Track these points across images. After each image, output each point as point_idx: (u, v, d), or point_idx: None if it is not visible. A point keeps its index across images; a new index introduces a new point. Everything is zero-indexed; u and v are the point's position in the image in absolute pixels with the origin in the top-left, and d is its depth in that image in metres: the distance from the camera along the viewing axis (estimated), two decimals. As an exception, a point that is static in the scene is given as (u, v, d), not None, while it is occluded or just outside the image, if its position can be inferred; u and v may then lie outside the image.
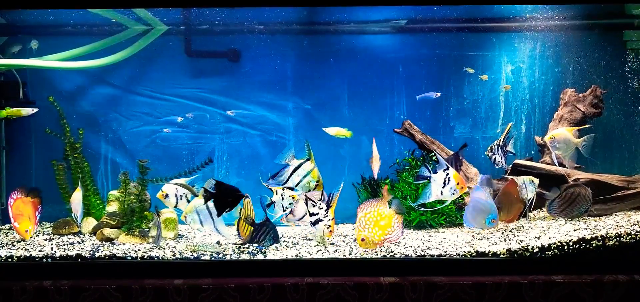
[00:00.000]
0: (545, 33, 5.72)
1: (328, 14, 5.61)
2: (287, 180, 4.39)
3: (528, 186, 4.98)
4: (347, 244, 4.59)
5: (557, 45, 5.75)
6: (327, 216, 4.46)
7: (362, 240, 4.21)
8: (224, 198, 4.17)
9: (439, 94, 5.63)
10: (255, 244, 4.38)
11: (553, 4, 5.27)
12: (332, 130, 5.33)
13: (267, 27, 5.68)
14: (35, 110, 5.11)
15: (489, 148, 5.13)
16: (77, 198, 4.83)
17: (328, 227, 4.44)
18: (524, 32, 5.78)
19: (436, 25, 5.73)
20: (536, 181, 5.02)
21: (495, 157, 5.04)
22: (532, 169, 5.32)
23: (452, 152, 5.49)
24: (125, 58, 5.53)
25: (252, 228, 4.34)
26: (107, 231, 4.84)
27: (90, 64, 5.48)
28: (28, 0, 4.60)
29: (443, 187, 4.38)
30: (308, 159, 4.33)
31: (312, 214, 4.50)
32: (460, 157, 4.86)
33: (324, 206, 4.49)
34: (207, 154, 5.86)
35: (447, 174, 4.36)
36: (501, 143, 5.02)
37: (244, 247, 4.40)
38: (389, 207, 4.32)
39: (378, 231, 4.21)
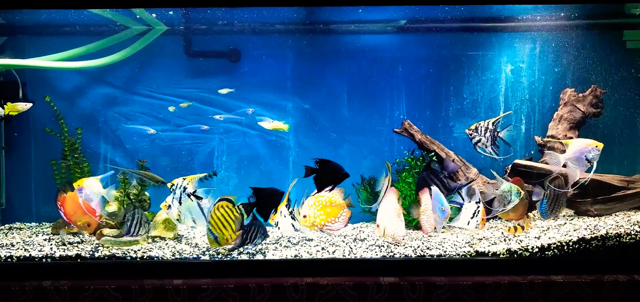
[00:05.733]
0: (545, 33, 5.72)
1: (327, 14, 5.61)
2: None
3: (513, 197, 4.65)
4: (346, 244, 4.58)
5: (556, 45, 5.75)
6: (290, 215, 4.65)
7: (304, 217, 4.47)
8: (266, 202, 4.32)
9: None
10: (249, 246, 4.36)
11: (553, 4, 5.27)
12: (268, 124, 5.33)
13: (266, 27, 5.68)
14: (31, 104, 5.10)
15: (473, 126, 4.68)
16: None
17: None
18: (524, 32, 5.78)
19: (436, 25, 5.73)
20: (523, 193, 4.70)
21: (481, 139, 4.61)
22: (531, 169, 5.31)
23: (452, 153, 5.50)
24: (124, 58, 5.53)
25: (241, 231, 4.32)
26: (107, 231, 4.83)
27: (89, 64, 5.48)
28: (28, 0, 4.60)
29: (472, 218, 4.48)
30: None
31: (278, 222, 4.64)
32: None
33: (284, 209, 4.61)
34: (206, 155, 5.86)
35: (478, 206, 4.47)
36: (491, 127, 4.61)
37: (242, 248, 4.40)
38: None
39: (322, 215, 4.46)
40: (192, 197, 4.50)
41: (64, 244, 4.64)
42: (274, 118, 5.81)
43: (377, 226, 4.57)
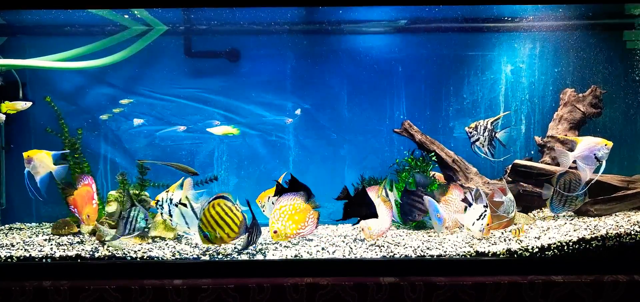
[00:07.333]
0: (545, 33, 5.72)
1: (327, 14, 5.61)
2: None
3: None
4: (346, 244, 4.59)
5: (556, 45, 5.75)
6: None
7: (275, 232, 4.31)
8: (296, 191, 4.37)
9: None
10: (252, 246, 4.37)
11: (553, 4, 5.27)
12: (218, 130, 5.35)
13: (266, 27, 5.69)
14: (31, 103, 5.08)
15: (473, 124, 4.70)
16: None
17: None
18: (524, 33, 5.78)
19: (435, 25, 5.74)
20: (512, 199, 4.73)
21: (479, 138, 4.62)
22: (531, 169, 5.31)
23: (452, 153, 5.50)
24: (124, 58, 5.53)
25: (247, 234, 4.30)
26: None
27: (89, 64, 5.48)
28: (28, 0, 4.60)
29: (477, 220, 4.45)
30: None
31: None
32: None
33: (272, 197, 4.67)
34: (206, 154, 5.86)
35: (486, 209, 4.45)
36: (489, 126, 4.62)
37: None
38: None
39: (291, 225, 4.32)
40: (179, 205, 4.48)
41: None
42: (274, 118, 5.82)
43: (362, 229, 4.64)
